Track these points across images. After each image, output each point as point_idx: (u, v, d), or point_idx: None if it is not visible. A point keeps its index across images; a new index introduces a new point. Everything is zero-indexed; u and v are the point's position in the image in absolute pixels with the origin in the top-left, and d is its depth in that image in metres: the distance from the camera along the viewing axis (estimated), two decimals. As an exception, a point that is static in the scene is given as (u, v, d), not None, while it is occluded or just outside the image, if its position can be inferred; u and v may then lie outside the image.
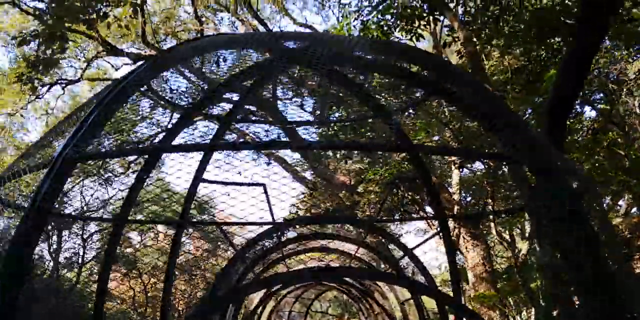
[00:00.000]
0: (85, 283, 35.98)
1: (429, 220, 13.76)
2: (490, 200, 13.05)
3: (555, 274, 7.32)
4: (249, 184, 7.36)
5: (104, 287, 6.01)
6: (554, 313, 9.49)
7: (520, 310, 12.17)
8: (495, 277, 14.07)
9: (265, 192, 6.64)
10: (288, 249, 11.51)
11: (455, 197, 14.34)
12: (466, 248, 14.43)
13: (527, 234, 14.54)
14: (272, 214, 7.16)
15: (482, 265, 14.22)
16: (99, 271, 31.91)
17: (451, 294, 6.63)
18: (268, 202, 6.74)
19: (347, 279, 15.62)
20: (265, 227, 8.22)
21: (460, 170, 14.06)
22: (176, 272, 32.88)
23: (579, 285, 5.43)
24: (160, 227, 39.50)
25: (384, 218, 11.30)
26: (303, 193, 21.72)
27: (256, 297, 14.15)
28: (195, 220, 12.31)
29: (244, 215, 7.15)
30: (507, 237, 12.75)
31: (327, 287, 21.48)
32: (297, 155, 19.44)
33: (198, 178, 6.28)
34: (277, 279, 8.50)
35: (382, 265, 13.26)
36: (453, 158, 12.91)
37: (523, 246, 11.99)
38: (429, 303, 18.88)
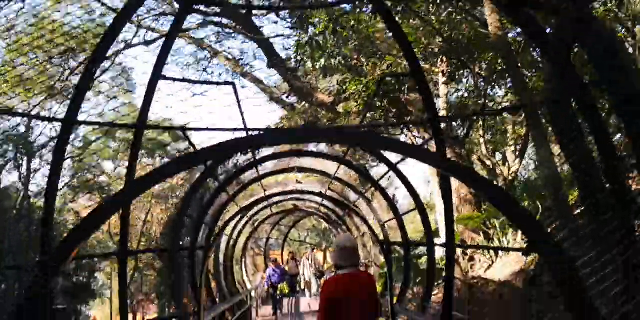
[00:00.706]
0: (59, 212, 35.45)
1: (413, 137, 13.14)
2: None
3: (556, 188, 6.75)
4: (217, 83, 6.55)
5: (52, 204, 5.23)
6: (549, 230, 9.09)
7: (506, 232, 11.84)
8: (480, 198, 13.69)
9: (236, 92, 5.83)
10: (264, 169, 10.86)
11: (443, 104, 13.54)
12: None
13: (516, 153, 14.08)
14: (243, 119, 6.38)
15: (466, 187, 13.79)
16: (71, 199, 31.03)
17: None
18: (238, 103, 5.94)
19: (326, 204, 15.19)
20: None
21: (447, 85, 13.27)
22: (153, 201, 32.29)
23: (588, 198, 4.79)
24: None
25: (369, 125, 10.52)
26: (281, 118, 20.89)
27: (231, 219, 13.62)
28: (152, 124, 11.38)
29: (212, 124, 6.37)
30: (490, 159, 12.20)
31: (306, 213, 21.16)
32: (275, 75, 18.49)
33: (157, 74, 5.37)
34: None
35: (363, 188, 12.74)
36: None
37: (513, 164, 11.45)
38: (413, 224, 18.74)
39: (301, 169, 11.06)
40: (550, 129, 7.31)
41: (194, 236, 8.14)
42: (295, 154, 9.74)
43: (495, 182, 16.43)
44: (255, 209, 15.03)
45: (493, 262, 12.00)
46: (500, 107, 13.78)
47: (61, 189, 34.99)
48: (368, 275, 4.94)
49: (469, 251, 12.94)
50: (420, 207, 7.86)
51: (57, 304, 37.31)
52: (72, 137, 33.85)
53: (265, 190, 13.02)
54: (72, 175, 35.10)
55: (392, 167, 8.06)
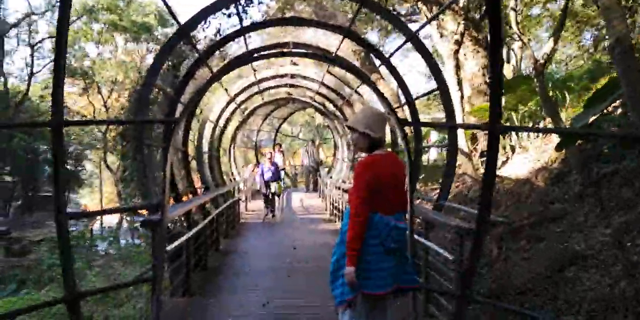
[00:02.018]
0: (41, 97, 33.83)
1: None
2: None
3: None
4: None
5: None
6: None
7: (526, 123, 10.57)
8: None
9: None
10: (254, 43, 9.22)
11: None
12: (464, 55, 12.35)
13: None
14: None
15: (482, 75, 12.30)
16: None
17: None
18: None
19: (323, 92, 13.71)
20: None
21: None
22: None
23: None
24: (120, 41, 36.30)
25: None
26: None
27: (217, 105, 12.17)
28: None
29: None
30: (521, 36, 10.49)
31: (300, 104, 19.73)
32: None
33: None
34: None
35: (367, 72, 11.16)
36: None
37: (546, 46, 9.84)
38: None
39: (297, 45, 9.40)
40: None
41: (168, 112, 6.77)
42: (289, 21, 8.06)
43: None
44: (245, 94, 13.56)
45: (508, 159, 10.85)
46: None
47: (38, 71, 33.11)
48: (396, 156, 3.78)
49: (480, 146, 11.76)
50: (443, 83, 6.44)
51: (44, 191, 37.03)
52: (49, 15, 31.05)
53: (255, 71, 11.46)
54: (52, 59, 32.99)
55: (412, 35, 6.49)
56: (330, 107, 15.33)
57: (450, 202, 7.00)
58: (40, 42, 32.14)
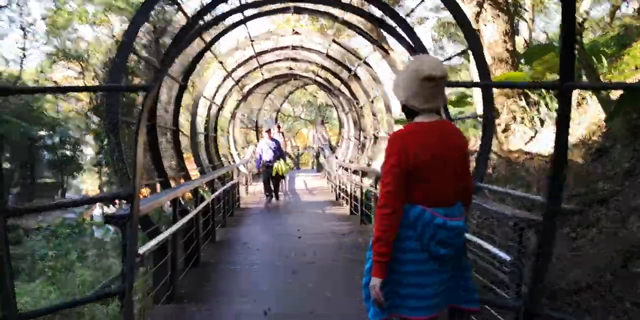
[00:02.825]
0: (35, 82, 32.65)
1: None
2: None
3: None
4: None
5: None
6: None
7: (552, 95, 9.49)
8: (517, 57, 11.15)
9: None
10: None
11: None
12: (484, 21, 11.17)
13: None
14: None
15: (502, 42, 11.14)
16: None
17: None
18: None
19: (328, 65, 12.62)
20: None
21: None
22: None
23: None
24: (116, 23, 34.99)
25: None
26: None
27: (213, 78, 11.06)
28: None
29: None
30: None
31: (302, 81, 18.62)
32: None
33: None
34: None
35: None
36: None
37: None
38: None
39: (300, 10, 8.28)
40: None
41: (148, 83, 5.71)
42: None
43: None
44: (244, 69, 12.47)
45: (537, 133, 9.77)
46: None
47: (31, 54, 31.83)
48: (452, 125, 2.69)
49: (504, 119, 10.66)
50: (476, 42, 5.37)
51: (44, 177, 36.18)
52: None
53: (252, 42, 10.33)
54: (46, 42, 31.76)
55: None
56: (335, 82, 14.24)
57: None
58: (32, 24, 30.90)
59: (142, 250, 3.61)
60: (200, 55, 8.06)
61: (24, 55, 30.30)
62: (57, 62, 31.52)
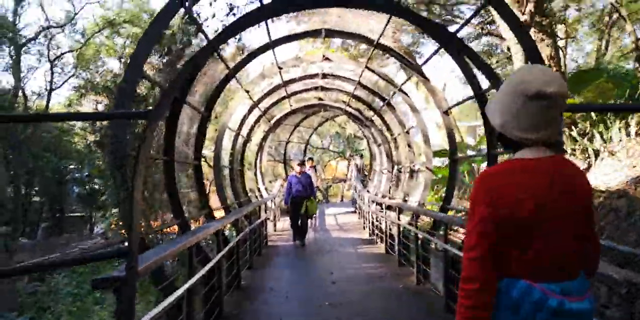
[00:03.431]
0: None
1: None
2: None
3: None
4: None
5: None
6: None
7: (611, 121, 8.62)
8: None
9: None
10: (277, 32, 7.54)
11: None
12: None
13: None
14: None
15: (548, 67, 10.35)
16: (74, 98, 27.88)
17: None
18: None
19: (359, 94, 11.96)
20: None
21: None
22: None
23: None
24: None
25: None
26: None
27: (239, 109, 10.43)
28: None
29: None
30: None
31: (332, 111, 18.00)
32: None
33: None
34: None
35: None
36: None
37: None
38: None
39: (332, 33, 7.67)
40: None
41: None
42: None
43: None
44: (271, 99, 11.88)
45: (590, 166, 8.85)
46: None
47: (58, 87, 32.04)
48: (572, 164, 1.85)
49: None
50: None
51: (73, 210, 36.04)
52: (68, 29, 29.82)
53: (281, 70, 9.75)
54: (73, 74, 31.96)
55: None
56: (367, 112, 13.56)
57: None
58: (60, 57, 31.18)
59: (164, 303, 2.88)
60: (224, 83, 7.48)
61: (51, 88, 30.48)
62: (85, 96, 31.69)
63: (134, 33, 31.37)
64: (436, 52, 7.05)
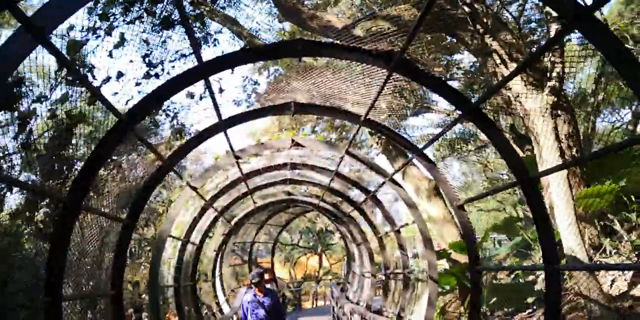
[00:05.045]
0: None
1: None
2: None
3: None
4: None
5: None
6: None
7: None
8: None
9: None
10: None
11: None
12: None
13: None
14: None
15: (567, 148, 8.56)
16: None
17: None
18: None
19: (336, 186, 9.95)
20: None
21: None
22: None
23: None
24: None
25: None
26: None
27: (186, 210, 8.19)
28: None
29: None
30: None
31: (303, 208, 15.85)
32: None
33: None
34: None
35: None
36: None
37: None
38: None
39: (302, 107, 5.71)
40: None
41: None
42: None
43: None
44: (229, 197, 9.73)
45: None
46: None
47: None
48: None
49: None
50: None
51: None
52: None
53: (238, 160, 7.64)
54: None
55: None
56: (345, 207, 11.45)
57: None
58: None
59: None
60: (155, 180, 5.31)
61: None
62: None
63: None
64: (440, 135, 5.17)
